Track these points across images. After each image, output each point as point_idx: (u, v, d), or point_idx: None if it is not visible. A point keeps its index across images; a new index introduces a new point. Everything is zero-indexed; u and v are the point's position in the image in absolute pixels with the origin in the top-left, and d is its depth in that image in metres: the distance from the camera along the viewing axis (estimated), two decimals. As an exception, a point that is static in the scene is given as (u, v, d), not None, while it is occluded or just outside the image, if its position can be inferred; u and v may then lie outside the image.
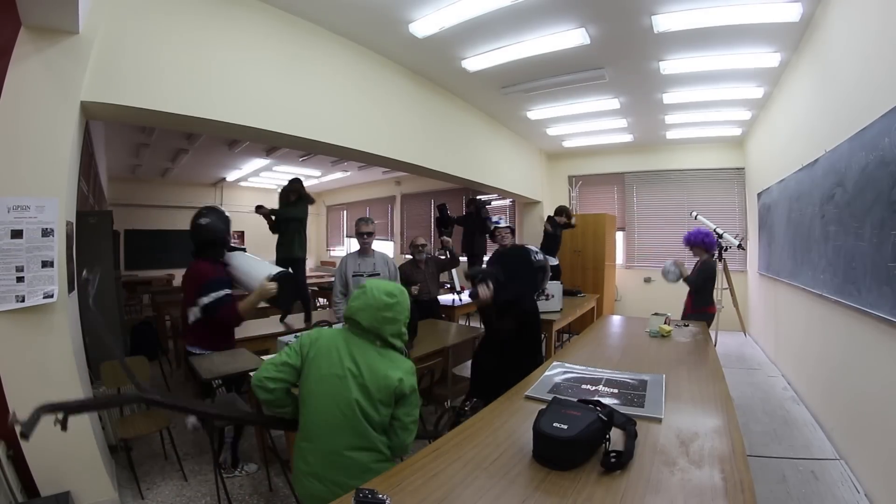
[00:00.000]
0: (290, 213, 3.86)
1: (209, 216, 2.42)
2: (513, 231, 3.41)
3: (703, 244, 3.71)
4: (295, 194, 3.92)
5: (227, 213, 2.55)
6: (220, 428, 2.51)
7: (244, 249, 2.63)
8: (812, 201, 3.19)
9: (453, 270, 4.76)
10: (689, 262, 3.88)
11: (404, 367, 1.41)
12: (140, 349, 4.22)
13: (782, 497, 2.22)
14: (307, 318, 3.87)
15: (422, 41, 3.50)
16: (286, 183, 4.03)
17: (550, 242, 5.52)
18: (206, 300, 2.28)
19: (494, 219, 3.55)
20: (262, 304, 2.66)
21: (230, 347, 2.48)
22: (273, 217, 3.89)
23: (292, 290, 2.75)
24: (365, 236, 3.21)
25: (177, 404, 1.53)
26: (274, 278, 2.37)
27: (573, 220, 5.81)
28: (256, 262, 2.58)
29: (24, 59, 1.94)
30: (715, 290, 5.30)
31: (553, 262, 5.50)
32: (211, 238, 2.41)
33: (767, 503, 2.16)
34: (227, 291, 2.33)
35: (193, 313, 2.34)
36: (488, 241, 3.98)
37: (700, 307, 3.61)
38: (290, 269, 3.43)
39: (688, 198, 6.57)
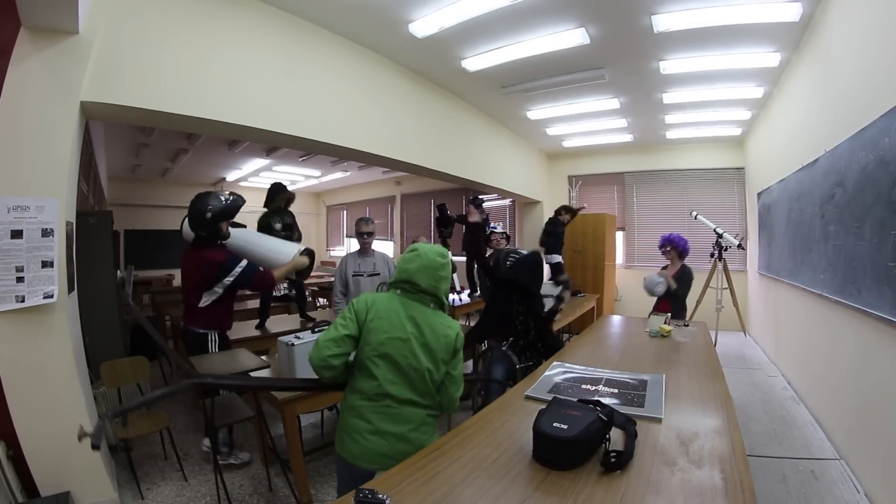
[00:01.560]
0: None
1: (212, 202, 2.44)
2: (508, 237, 3.43)
3: (685, 250, 3.68)
4: (285, 201, 3.90)
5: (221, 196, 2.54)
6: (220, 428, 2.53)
7: (245, 226, 2.77)
8: (812, 201, 3.19)
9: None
10: (658, 263, 3.83)
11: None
12: (140, 349, 4.21)
13: (782, 497, 2.22)
14: (303, 314, 3.95)
15: (422, 41, 3.49)
16: (278, 188, 3.95)
17: (554, 240, 5.54)
18: (236, 272, 2.43)
19: (492, 225, 3.56)
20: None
21: (230, 327, 2.73)
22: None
23: (311, 265, 2.98)
24: (365, 236, 3.21)
25: (226, 382, 1.69)
26: (304, 252, 2.67)
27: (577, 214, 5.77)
28: (273, 238, 2.87)
29: (24, 59, 1.94)
30: (715, 291, 5.35)
31: (557, 259, 5.51)
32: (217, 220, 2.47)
33: (767, 503, 2.16)
34: (245, 262, 2.50)
35: (213, 293, 2.49)
36: (486, 246, 3.97)
37: (681, 316, 3.55)
38: None
39: (688, 198, 6.58)
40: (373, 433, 1.39)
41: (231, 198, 2.49)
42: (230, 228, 2.61)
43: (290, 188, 4.09)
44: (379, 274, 3.22)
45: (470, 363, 3.66)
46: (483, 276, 3.52)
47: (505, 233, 3.41)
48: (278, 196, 3.90)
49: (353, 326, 1.44)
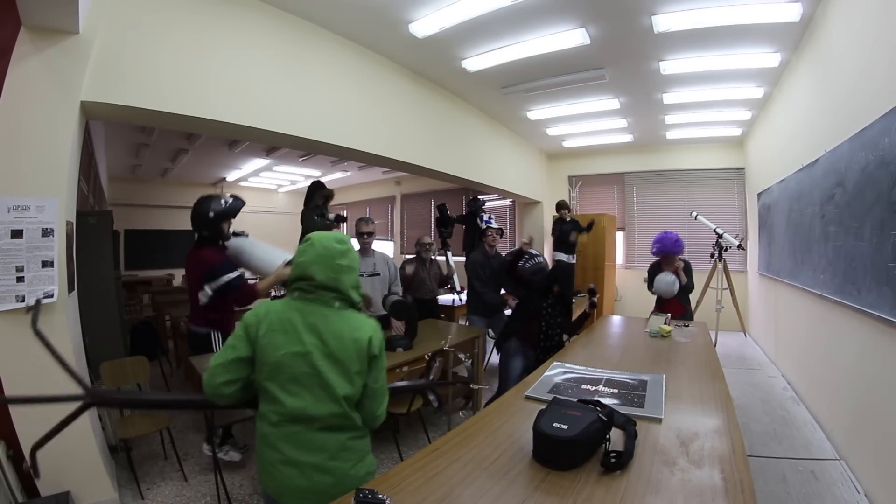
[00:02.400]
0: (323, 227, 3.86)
1: (214, 204, 2.48)
2: (501, 232, 3.45)
3: (677, 249, 3.70)
4: (323, 199, 3.95)
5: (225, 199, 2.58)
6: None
7: (246, 235, 2.74)
8: (812, 201, 3.19)
9: (452, 264, 4.78)
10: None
11: (370, 325, 1.26)
12: (140, 349, 4.22)
13: (782, 497, 2.22)
14: None
15: (422, 41, 3.49)
16: (319, 187, 4.02)
17: (557, 238, 5.56)
18: (222, 280, 2.41)
19: (486, 218, 3.54)
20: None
21: (233, 328, 2.60)
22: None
23: None
24: (365, 236, 3.19)
25: (123, 397, 1.50)
26: (290, 263, 2.51)
27: (570, 215, 5.77)
28: (267, 247, 2.75)
29: (24, 59, 1.94)
30: (715, 291, 5.35)
31: (558, 257, 5.51)
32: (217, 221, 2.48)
33: (767, 503, 2.16)
34: (239, 272, 2.48)
35: (205, 294, 2.46)
36: (481, 241, 3.99)
37: (688, 307, 3.64)
38: None
39: (688, 198, 6.58)
40: (285, 464, 1.18)
41: (231, 200, 2.54)
42: (232, 235, 2.65)
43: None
44: (379, 274, 3.19)
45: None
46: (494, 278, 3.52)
47: (501, 228, 3.41)
48: (317, 193, 3.96)
49: (244, 347, 1.20)
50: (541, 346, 2.63)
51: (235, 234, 2.68)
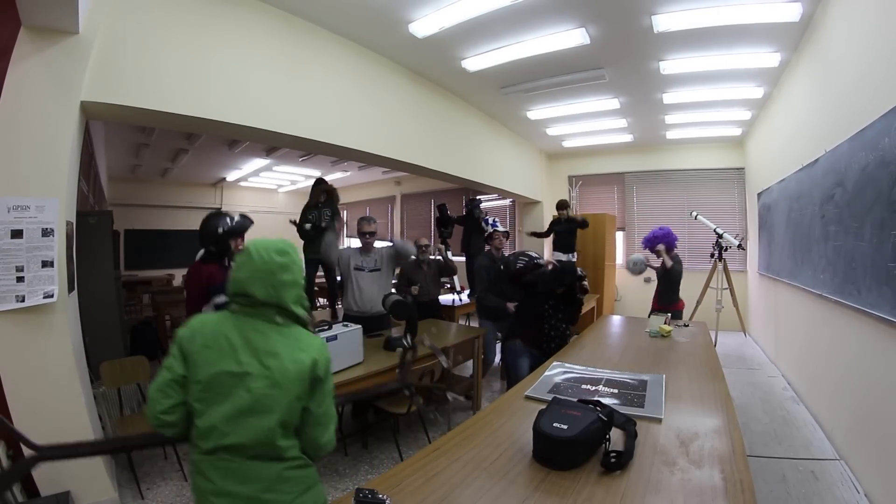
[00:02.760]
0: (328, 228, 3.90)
1: (222, 221, 2.51)
2: (507, 235, 3.46)
3: (667, 241, 3.84)
4: (325, 194, 4.01)
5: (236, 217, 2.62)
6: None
7: None
8: (812, 201, 3.19)
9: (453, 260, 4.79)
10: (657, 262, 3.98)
11: (315, 345, 1.14)
12: (140, 349, 4.22)
13: (782, 497, 2.22)
14: (333, 315, 4.09)
15: (422, 41, 3.49)
16: (318, 184, 4.10)
17: (557, 239, 5.56)
18: (222, 299, 2.38)
19: (490, 221, 3.56)
20: None
21: None
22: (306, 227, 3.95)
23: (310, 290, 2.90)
24: (367, 236, 3.19)
25: (74, 451, 1.28)
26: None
27: (567, 214, 5.75)
28: None
29: (24, 59, 1.94)
30: (715, 291, 5.36)
31: (563, 257, 5.48)
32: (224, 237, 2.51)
33: (767, 503, 2.16)
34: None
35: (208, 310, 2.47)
36: (488, 244, 4.01)
37: (666, 303, 3.67)
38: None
39: (688, 198, 6.58)
40: (217, 495, 1.06)
41: (240, 218, 2.59)
42: None
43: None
44: (380, 269, 3.20)
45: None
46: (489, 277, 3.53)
47: (506, 231, 3.42)
48: (313, 191, 4.02)
49: (179, 365, 1.08)
50: (544, 347, 2.63)
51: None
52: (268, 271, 1.09)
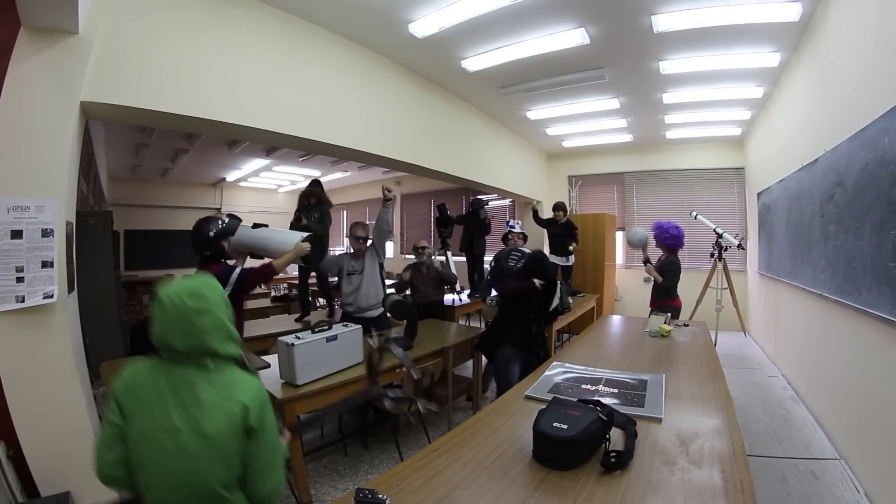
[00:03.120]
0: (318, 231, 3.93)
1: (212, 225, 2.56)
2: (525, 237, 3.43)
3: (664, 240, 3.80)
4: (315, 198, 4.04)
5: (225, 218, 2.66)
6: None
7: (266, 225, 2.87)
8: (812, 201, 3.19)
9: (452, 264, 4.79)
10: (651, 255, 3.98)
11: (247, 389, 1.04)
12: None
13: (782, 497, 2.22)
14: (331, 314, 4.11)
15: (422, 41, 3.49)
16: (307, 186, 4.16)
17: (552, 240, 5.54)
18: (232, 280, 2.46)
19: (510, 223, 3.52)
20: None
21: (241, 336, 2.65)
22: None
23: (320, 254, 3.05)
24: (360, 241, 3.26)
25: None
26: (306, 239, 2.73)
27: (565, 218, 5.72)
28: (283, 231, 2.96)
29: (24, 59, 1.94)
30: (715, 291, 5.36)
31: (559, 261, 5.46)
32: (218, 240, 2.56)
33: (767, 503, 2.16)
34: (238, 268, 2.53)
35: None
36: (503, 244, 3.97)
37: (662, 300, 3.68)
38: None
39: (688, 198, 6.58)
40: None
41: (228, 219, 2.66)
42: (253, 226, 2.80)
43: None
44: (363, 271, 3.27)
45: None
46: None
47: (523, 233, 3.39)
48: (303, 194, 4.12)
49: (118, 418, 1.01)
50: (534, 348, 2.60)
51: (256, 225, 2.82)
52: (183, 319, 1.00)
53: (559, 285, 2.76)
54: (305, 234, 2.77)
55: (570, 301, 2.92)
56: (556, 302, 2.70)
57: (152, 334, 1.03)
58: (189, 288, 1.03)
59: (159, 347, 1.03)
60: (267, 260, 2.69)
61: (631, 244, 4.16)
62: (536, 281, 2.59)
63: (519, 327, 2.64)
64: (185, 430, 0.96)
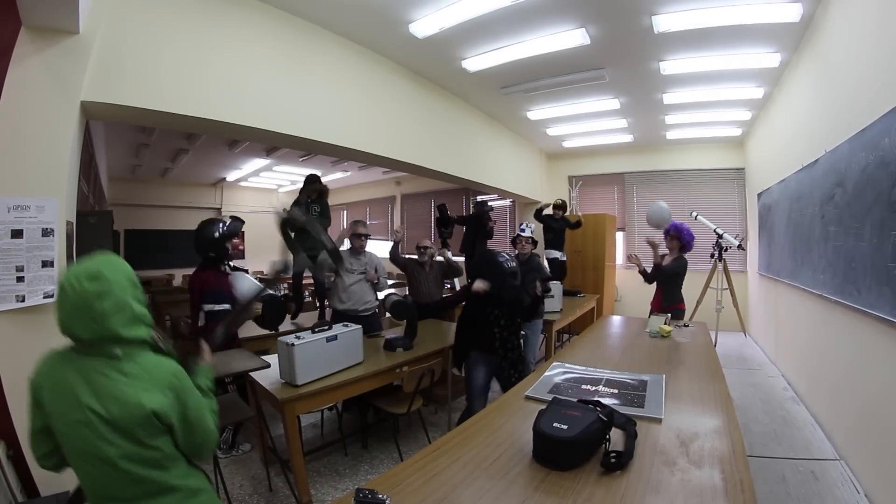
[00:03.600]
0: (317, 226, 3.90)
1: (217, 227, 2.62)
2: (535, 242, 3.34)
3: (688, 243, 3.73)
4: (315, 193, 4.03)
5: (228, 221, 2.71)
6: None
7: (246, 271, 2.89)
8: (812, 201, 3.19)
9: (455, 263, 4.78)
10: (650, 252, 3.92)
11: (159, 378, 0.99)
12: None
13: (782, 497, 2.22)
14: (321, 315, 4.07)
15: (422, 41, 3.50)
16: (305, 181, 4.11)
17: (552, 235, 5.54)
18: (214, 308, 2.54)
19: (522, 226, 3.47)
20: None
21: (235, 346, 2.71)
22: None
23: (277, 314, 2.90)
24: (362, 238, 3.29)
25: None
26: (259, 299, 2.31)
27: (563, 214, 5.72)
28: (248, 281, 2.59)
29: (24, 59, 1.94)
30: (715, 291, 5.36)
31: (557, 255, 5.48)
32: (216, 241, 2.61)
33: (767, 503, 2.16)
34: (227, 307, 2.56)
35: (201, 318, 2.60)
36: (512, 246, 3.92)
37: (669, 304, 3.60)
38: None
39: (688, 198, 6.57)
40: None
41: (231, 221, 2.69)
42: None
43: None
44: (365, 273, 3.33)
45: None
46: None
47: (532, 237, 3.26)
48: (304, 188, 4.08)
49: (39, 415, 1.00)
50: (500, 351, 2.48)
51: (235, 269, 2.78)
52: (84, 305, 0.94)
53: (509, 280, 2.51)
54: (261, 289, 2.24)
55: (542, 288, 2.64)
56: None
57: (57, 322, 0.97)
58: (87, 270, 0.97)
59: (65, 337, 0.98)
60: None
61: (650, 221, 4.01)
62: (479, 283, 2.37)
63: (483, 330, 2.48)
64: (97, 423, 0.93)
